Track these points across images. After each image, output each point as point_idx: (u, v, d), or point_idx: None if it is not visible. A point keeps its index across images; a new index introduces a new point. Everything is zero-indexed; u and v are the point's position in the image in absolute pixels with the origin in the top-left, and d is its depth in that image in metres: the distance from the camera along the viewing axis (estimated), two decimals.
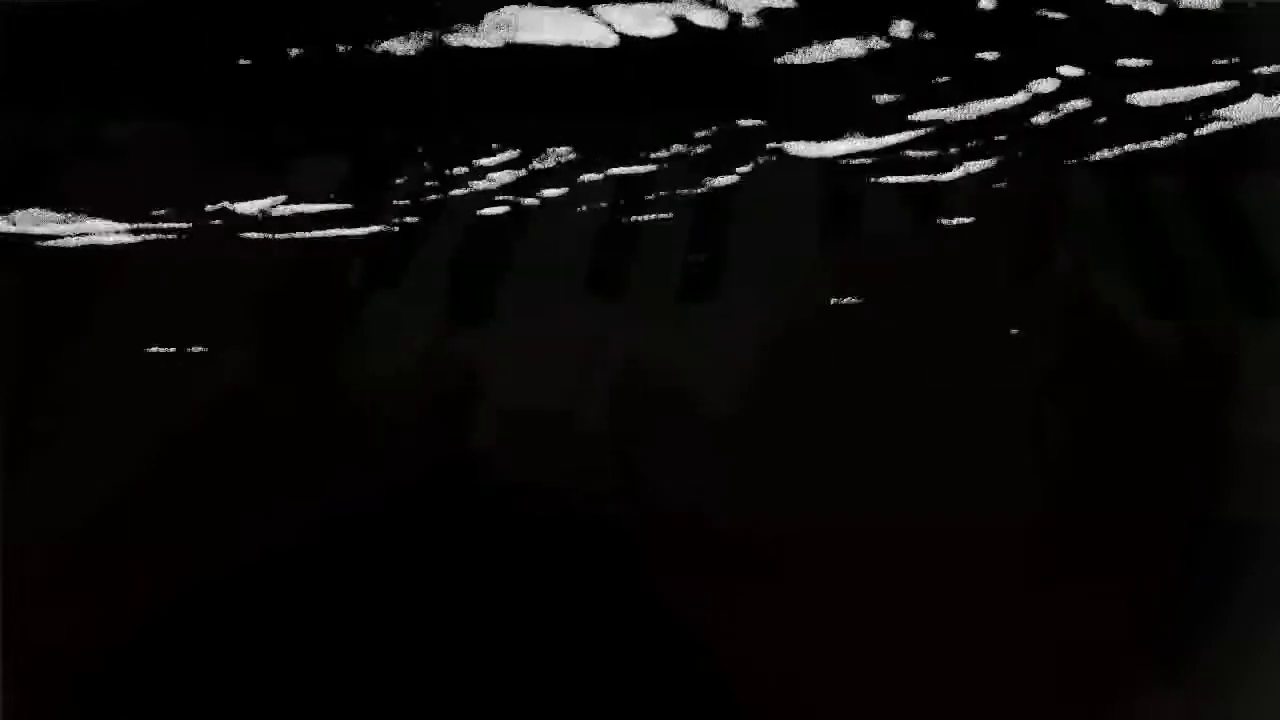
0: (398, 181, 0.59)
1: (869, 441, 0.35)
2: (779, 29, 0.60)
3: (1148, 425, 0.35)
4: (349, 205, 0.57)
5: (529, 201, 0.57)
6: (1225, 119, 0.57)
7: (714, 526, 0.37)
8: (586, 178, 0.58)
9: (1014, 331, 0.36)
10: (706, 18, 0.61)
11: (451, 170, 0.59)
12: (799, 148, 0.58)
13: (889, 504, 0.34)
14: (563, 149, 0.60)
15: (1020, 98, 0.59)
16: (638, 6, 0.61)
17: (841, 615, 0.33)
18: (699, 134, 0.59)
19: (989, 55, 0.60)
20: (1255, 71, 0.56)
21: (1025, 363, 0.36)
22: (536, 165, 0.59)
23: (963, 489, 0.34)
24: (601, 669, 0.52)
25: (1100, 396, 0.35)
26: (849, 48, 0.60)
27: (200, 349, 0.39)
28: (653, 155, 0.60)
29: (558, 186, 0.58)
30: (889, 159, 0.58)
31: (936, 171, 0.58)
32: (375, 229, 0.55)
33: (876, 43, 0.59)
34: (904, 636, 0.32)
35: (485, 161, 0.60)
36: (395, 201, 0.57)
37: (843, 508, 0.35)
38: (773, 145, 0.59)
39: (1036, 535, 0.33)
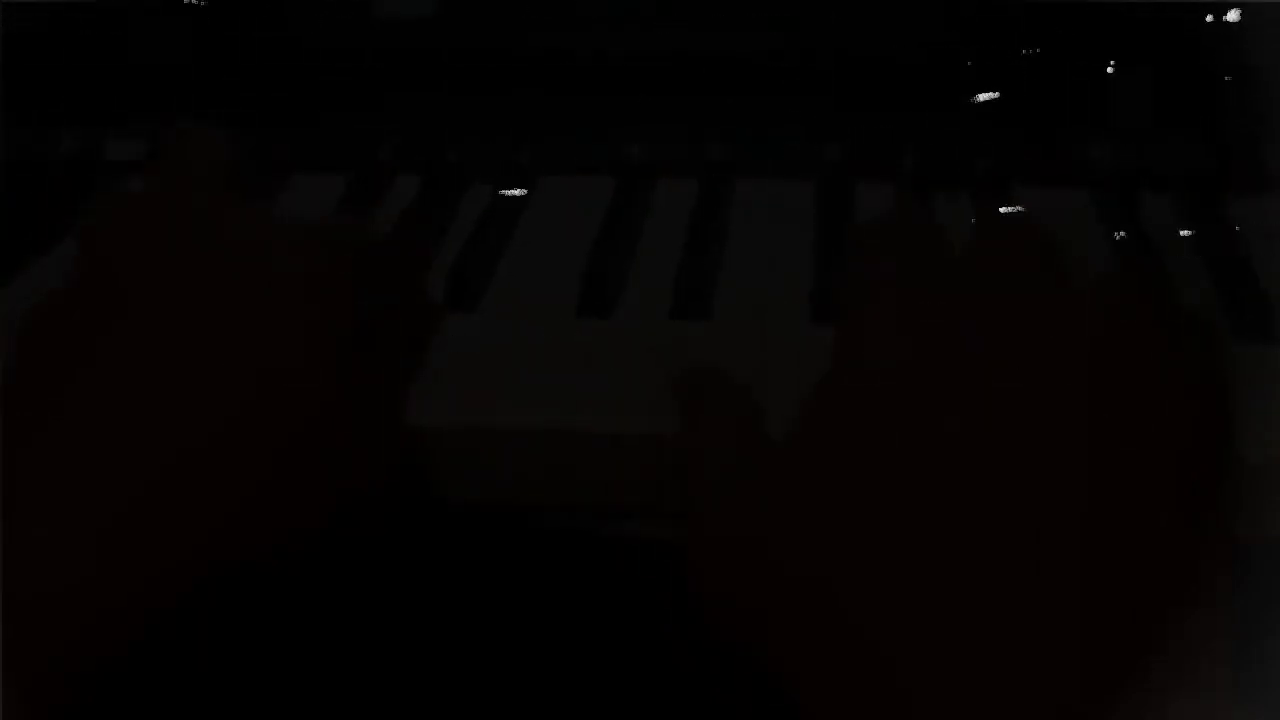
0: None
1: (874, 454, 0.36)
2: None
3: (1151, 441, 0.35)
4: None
5: (520, 214, 0.57)
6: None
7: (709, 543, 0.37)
8: (581, 189, 0.59)
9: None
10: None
11: (446, 185, 0.59)
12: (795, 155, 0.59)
13: (902, 517, 0.34)
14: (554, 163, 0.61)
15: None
16: None
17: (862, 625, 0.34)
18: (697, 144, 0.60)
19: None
20: None
21: (1026, 373, 0.36)
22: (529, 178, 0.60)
23: (978, 501, 0.34)
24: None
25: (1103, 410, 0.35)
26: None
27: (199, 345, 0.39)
28: (648, 167, 0.60)
29: (551, 198, 0.59)
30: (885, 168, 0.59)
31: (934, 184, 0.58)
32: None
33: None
34: (947, 649, 0.33)
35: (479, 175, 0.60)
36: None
37: (844, 521, 0.35)
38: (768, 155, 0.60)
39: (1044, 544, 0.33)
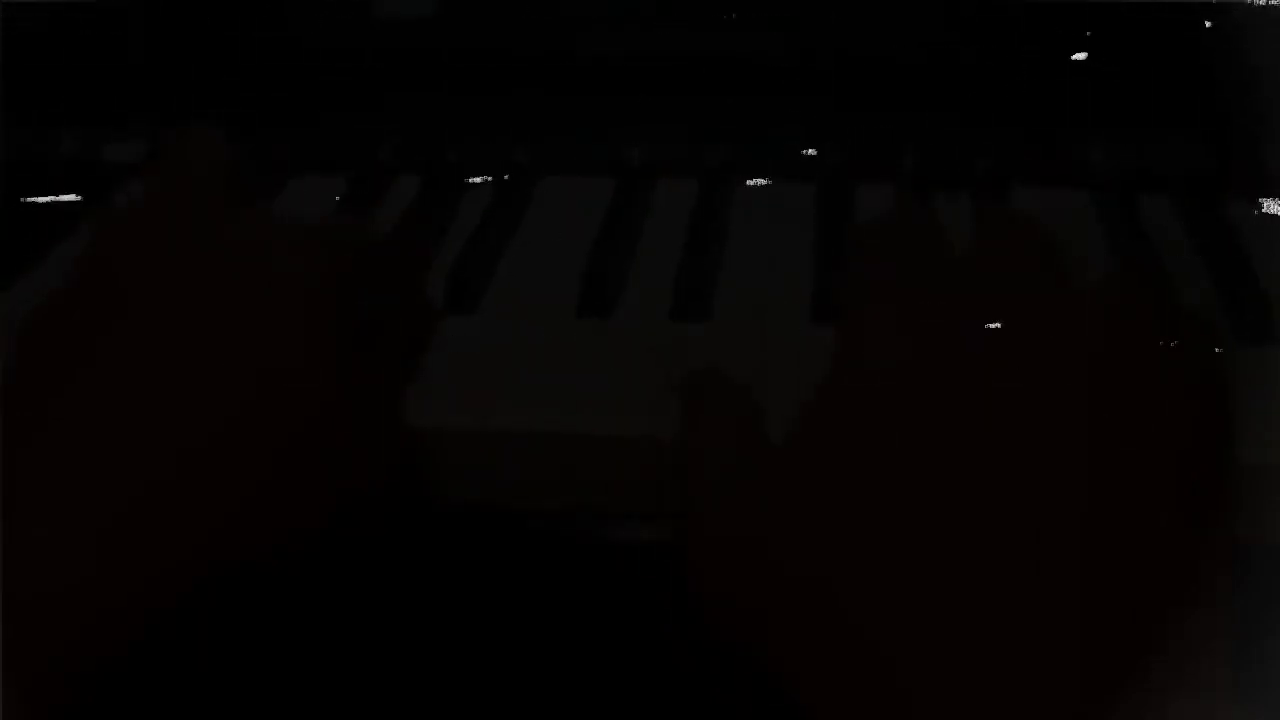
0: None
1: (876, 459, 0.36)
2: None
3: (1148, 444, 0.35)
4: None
5: (520, 214, 0.57)
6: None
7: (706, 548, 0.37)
8: (581, 189, 0.59)
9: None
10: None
11: (445, 186, 0.59)
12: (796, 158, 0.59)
13: (903, 518, 0.34)
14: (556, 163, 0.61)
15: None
16: None
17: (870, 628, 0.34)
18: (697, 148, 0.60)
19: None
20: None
21: (1026, 373, 0.36)
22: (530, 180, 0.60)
23: (978, 501, 0.34)
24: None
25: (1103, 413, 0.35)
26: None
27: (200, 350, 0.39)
28: (649, 169, 0.60)
29: (551, 198, 0.59)
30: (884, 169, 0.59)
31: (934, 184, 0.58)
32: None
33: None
34: (947, 649, 0.33)
35: (478, 179, 0.60)
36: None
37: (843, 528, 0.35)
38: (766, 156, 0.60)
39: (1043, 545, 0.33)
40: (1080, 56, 0.59)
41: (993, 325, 0.37)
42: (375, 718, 0.53)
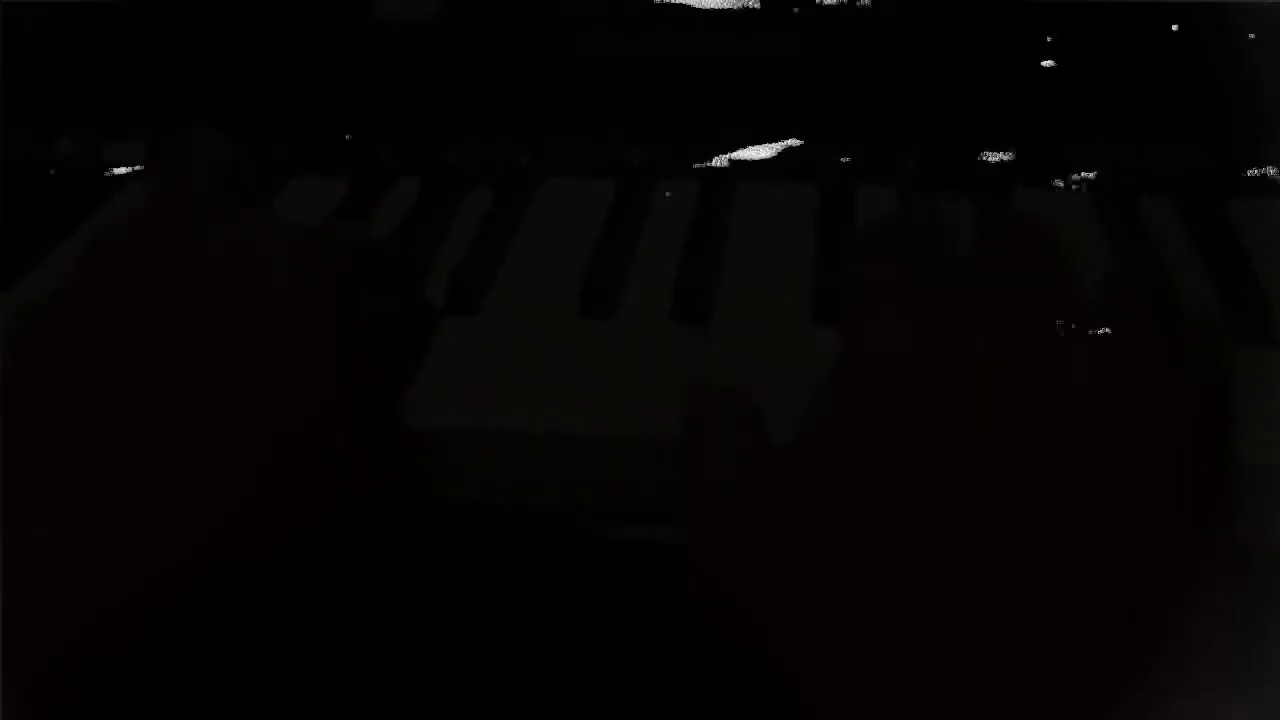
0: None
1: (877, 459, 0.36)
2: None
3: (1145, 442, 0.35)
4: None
5: (521, 216, 0.57)
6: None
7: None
8: (582, 190, 0.59)
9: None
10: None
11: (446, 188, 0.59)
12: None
13: (904, 518, 0.35)
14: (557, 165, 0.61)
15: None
16: None
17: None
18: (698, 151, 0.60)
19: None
20: None
21: (1028, 374, 0.36)
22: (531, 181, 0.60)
23: (979, 501, 0.34)
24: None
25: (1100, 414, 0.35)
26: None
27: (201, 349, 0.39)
28: (649, 169, 0.60)
29: (552, 200, 0.59)
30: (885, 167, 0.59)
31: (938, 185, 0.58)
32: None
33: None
34: (948, 649, 0.33)
35: (479, 177, 0.60)
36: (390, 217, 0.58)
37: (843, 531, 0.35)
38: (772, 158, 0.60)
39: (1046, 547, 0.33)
40: (1080, 57, 0.59)
41: (995, 326, 0.37)
42: (375, 718, 0.53)
